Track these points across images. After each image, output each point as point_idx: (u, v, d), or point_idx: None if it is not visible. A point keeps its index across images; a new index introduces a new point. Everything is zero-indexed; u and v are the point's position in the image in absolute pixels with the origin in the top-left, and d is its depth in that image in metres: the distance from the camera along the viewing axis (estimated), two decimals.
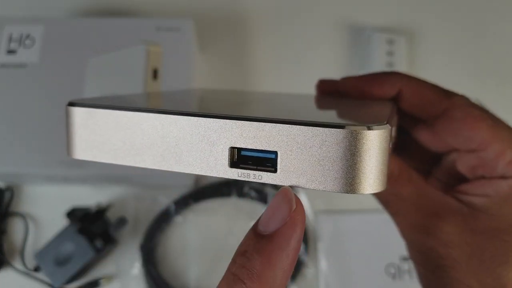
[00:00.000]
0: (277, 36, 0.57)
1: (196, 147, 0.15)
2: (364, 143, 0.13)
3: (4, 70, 0.45)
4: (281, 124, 0.14)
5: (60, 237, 0.45)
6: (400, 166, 0.24)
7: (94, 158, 0.16)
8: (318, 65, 0.56)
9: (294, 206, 0.16)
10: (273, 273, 0.16)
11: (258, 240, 0.16)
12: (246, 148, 0.14)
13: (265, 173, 0.14)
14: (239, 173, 0.15)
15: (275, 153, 0.14)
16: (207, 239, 0.48)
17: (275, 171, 0.14)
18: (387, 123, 0.14)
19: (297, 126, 0.13)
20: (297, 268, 0.46)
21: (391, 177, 0.23)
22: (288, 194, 0.16)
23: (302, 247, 0.46)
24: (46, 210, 0.49)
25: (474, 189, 0.23)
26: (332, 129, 0.13)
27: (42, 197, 0.49)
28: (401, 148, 0.28)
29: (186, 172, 0.15)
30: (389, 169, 0.16)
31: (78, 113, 0.16)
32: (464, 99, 0.24)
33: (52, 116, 0.44)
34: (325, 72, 0.56)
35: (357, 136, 0.13)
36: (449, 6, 0.59)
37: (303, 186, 0.14)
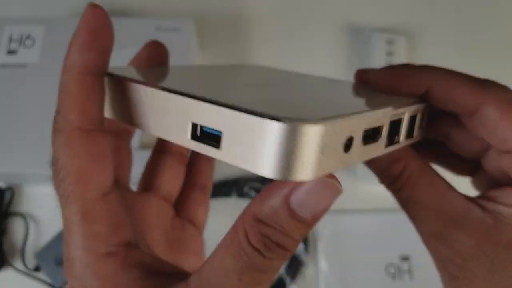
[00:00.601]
0: (277, 36, 0.57)
1: (169, 117, 0.17)
2: (285, 136, 0.14)
3: (4, 70, 0.45)
4: (223, 108, 0.15)
5: (61, 237, 0.45)
6: (420, 167, 0.22)
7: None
8: (318, 65, 0.56)
9: (341, 192, 0.17)
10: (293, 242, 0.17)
11: (295, 223, 0.17)
12: (204, 125, 0.16)
13: (212, 148, 0.16)
14: (195, 145, 0.17)
15: (220, 132, 0.16)
16: (207, 239, 0.48)
17: (219, 148, 0.16)
18: (321, 122, 0.15)
19: (232, 110, 0.15)
20: (297, 268, 0.46)
21: (409, 178, 0.22)
22: (334, 183, 0.17)
23: (302, 247, 0.46)
24: (46, 210, 0.49)
25: (505, 196, 0.21)
26: (255, 117, 0.15)
27: (42, 197, 0.49)
28: (436, 154, 0.26)
29: (158, 135, 0.18)
30: (329, 166, 0.16)
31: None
32: (502, 93, 0.21)
33: (52, 116, 0.44)
34: (325, 72, 0.56)
35: (276, 128, 0.14)
36: (449, 6, 0.59)
37: (240, 167, 0.16)
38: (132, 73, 0.22)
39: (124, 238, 0.18)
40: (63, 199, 0.17)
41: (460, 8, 0.59)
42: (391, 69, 0.24)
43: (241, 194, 0.49)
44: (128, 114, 0.19)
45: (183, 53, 0.46)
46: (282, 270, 0.46)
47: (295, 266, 0.46)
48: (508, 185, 0.21)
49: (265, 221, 0.16)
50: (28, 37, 0.47)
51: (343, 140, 0.17)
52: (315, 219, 0.17)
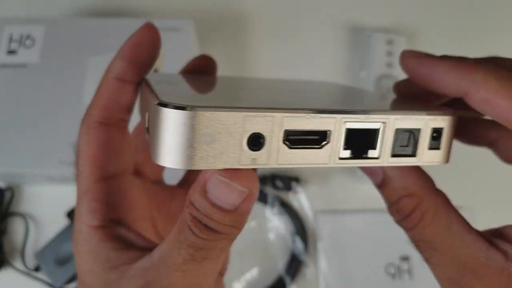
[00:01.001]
0: (277, 36, 0.57)
1: None
2: (167, 121, 0.16)
3: (4, 70, 0.45)
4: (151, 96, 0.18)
5: (60, 237, 0.45)
6: (436, 206, 0.20)
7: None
8: (318, 65, 0.56)
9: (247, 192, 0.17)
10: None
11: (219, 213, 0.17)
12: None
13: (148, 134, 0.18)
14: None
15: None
16: None
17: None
18: (194, 108, 0.16)
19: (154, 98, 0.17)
20: (297, 268, 0.46)
21: (422, 218, 0.20)
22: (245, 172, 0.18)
23: (302, 247, 0.46)
24: (46, 210, 0.49)
25: None
26: (157, 106, 0.16)
27: (42, 197, 0.49)
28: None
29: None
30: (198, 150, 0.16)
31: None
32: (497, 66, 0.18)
33: (52, 116, 0.44)
34: (325, 72, 0.56)
35: (159, 111, 0.16)
36: (449, 6, 0.59)
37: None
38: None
39: (114, 216, 0.20)
40: (76, 176, 0.20)
41: (460, 8, 0.59)
42: (429, 63, 0.21)
43: None
44: None
45: (183, 53, 0.46)
46: (282, 270, 0.46)
47: (295, 266, 0.46)
48: None
49: (194, 205, 0.17)
50: (28, 37, 0.47)
51: (242, 134, 0.16)
52: (239, 210, 0.17)
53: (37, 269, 0.46)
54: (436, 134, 0.19)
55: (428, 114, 0.19)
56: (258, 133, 0.17)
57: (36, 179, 0.47)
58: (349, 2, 0.58)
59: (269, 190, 0.49)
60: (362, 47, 0.56)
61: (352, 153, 0.18)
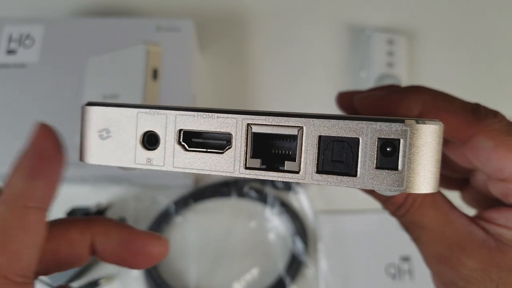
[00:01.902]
0: (277, 36, 0.57)
1: None
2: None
3: (4, 70, 0.45)
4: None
5: None
6: None
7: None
8: (318, 65, 0.56)
9: (39, 126, 0.19)
10: (19, 174, 0.18)
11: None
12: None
13: None
14: None
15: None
16: (207, 239, 0.48)
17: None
18: (89, 104, 0.18)
19: None
20: (297, 268, 0.46)
21: (414, 203, 0.20)
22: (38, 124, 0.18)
23: (302, 247, 0.46)
24: None
25: (504, 219, 0.21)
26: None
27: None
28: None
29: None
30: None
31: None
32: (496, 123, 0.20)
33: (52, 116, 0.44)
34: (325, 72, 0.56)
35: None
36: (449, 6, 0.59)
37: None
38: None
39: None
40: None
41: (460, 7, 0.59)
42: (377, 92, 0.22)
43: (241, 194, 0.49)
44: None
45: (183, 53, 0.46)
46: (282, 271, 0.46)
47: (295, 266, 0.46)
48: (506, 207, 0.21)
49: None
50: (27, 37, 0.47)
51: (135, 132, 0.17)
52: None
53: None
54: (390, 148, 0.15)
55: (371, 120, 0.15)
56: (152, 131, 0.16)
57: None
58: (349, 2, 0.58)
59: (269, 190, 0.49)
60: (362, 47, 0.56)
61: (264, 162, 0.16)
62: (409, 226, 0.22)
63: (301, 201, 0.49)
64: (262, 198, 0.48)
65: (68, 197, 0.48)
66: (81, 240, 0.20)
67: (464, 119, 0.20)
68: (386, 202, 0.22)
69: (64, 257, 0.20)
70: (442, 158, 0.23)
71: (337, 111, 0.26)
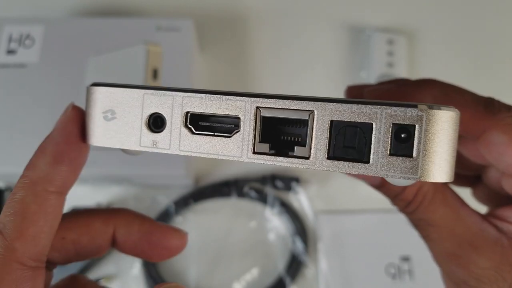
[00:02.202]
0: (277, 36, 0.57)
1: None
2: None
3: (4, 70, 0.45)
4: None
5: None
6: (436, 186, 0.20)
7: None
8: (318, 65, 0.56)
9: (70, 109, 0.19)
10: (44, 160, 0.17)
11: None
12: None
13: None
14: None
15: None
16: (207, 239, 0.48)
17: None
18: (95, 84, 0.18)
19: None
20: (297, 268, 0.46)
21: (423, 199, 0.20)
22: (68, 105, 0.19)
23: (302, 247, 0.46)
24: None
25: None
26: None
27: None
28: None
29: None
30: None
31: None
32: (508, 116, 0.19)
33: (52, 116, 0.44)
34: (325, 72, 0.56)
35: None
36: (449, 6, 0.59)
37: None
38: None
39: None
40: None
41: (460, 8, 0.59)
42: (387, 85, 0.22)
43: (241, 194, 0.49)
44: None
45: (183, 53, 0.46)
46: (282, 271, 0.46)
47: (295, 266, 0.46)
48: None
49: None
50: (27, 37, 0.47)
51: (141, 114, 0.16)
52: None
53: None
54: (405, 134, 0.14)
55: (386, 105, 0.14)
56: (158, 113, 0.16)
57: None
58: (349, 2, 0.58)
59: (269, 190, 0.49)
60: (362, 47, 0.56)
61: (273, 148, 0.15)
62: (418, 223, 0.21)
63: (301, 201, 0.49)
64: (262, 198, 0.48)
65: (68, 197, 0.48)
66: (104, 231, 0.20)
67: (477, 112, 0.19)
68: (395, 198, 0.21)
69: (85, 247, 0.20)
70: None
71: None
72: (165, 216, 0.47)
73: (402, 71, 0.53)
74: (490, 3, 0.59)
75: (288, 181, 0.49)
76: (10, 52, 0.46)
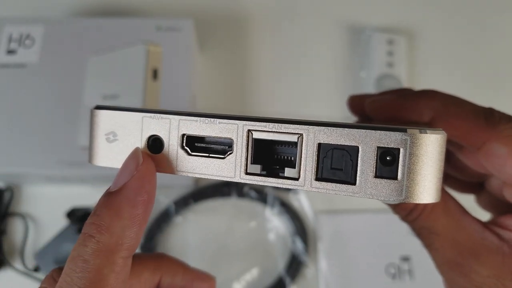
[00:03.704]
0: (277, 36, 0.57)
1: None
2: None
3: (4, 70, 0.45)
4: None
5: (60, 237, 0.45)
6: None
7: None
8: (318, 65, 0.56)
9: (141, 160, 0.17)
10: (121, 224, 0.16)
11: (107, 198, 0.17)
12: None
13: None
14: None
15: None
16: (207, 239, 0.48)
17: None
18: (97, 107, 0.18)
19: None
20: (297, 268, 0.46)
21: (425, 208, 0.20)
22: (135, 152, 0.17)
23: (302, 247, 0.46)
24: (46, 210, 0.49)
25: None
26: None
27: (42, 197, 0.49)
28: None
29: None
30: None
31: None
32: (509, 127, 0.19)
33: (52, 116, 0.44)
34: (325, 72, 0.56)
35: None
36: (449, 6, 0.59)
37: None
38: None
39: None
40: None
41: (460, 8, 0.59)
42: (389, 96, 0.22)
43: (241, 195, 0.49)
44: None
45: (183, 53, 0.46)
46: (282, 271, 0.46)
47: (295, 266, 0.46)
48: None
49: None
50: (27, 37, 0.47)
51: (141, 136, 0.17)
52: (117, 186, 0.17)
53: (36, 269, 0.46)
54: (390, 157, 0.15)
55: (371, 129, 0.14)
56: (157, 135, 0.17)
57: (36, 179, 0.47)
58: (349, 2, 0.58)
59: (269, 190, 0.49)
60: (362, 47, 0.56)
61: (264, 168, 0.16)
62: (420, 232, 0.21)
63: (301, 201, 0.49)
64: (262, 198, 0.48)
65: (68, 197, 0.48)
66: (151, 281, 0.21)
67: (476, 124, 0.19)
68: (397, 207, 0.21)
69: None
70: (457, 162, 0.23)
71: (343, 113, 0.26)
72: (165, 216, 0.47)
73: (402, 71, 0.53)
74: (490, 3, 0.59)
75: None
76: (10, 52, 0.46)
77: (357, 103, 0.24)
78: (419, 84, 0.54)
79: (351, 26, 0.57)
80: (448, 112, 0.20)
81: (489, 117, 0.20)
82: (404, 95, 0.21)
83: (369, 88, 0.53)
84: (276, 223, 0.48)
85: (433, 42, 0.57)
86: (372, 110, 0.22)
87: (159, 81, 0.44)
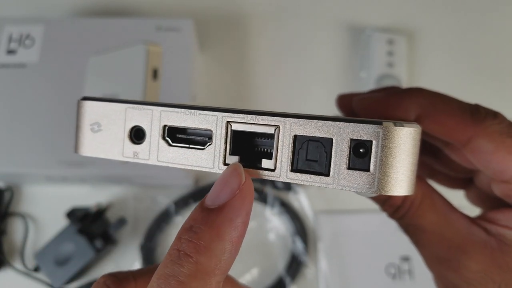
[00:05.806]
0: (277, 36, 0.57)
1: None
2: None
3: (4, 70, 0.45)
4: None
5: (60, 237, 0.45)
6: (423, 192, 0.21)
7: None
8: (318, 65, 0.56)
9: (244, 179, 0.16)
10: (222, 246, 0.15)
11: (206, 214, 0.16)
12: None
13: None
14: None
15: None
16: None
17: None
18: (84, 98, 0.19)
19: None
20: (297, 268, 0.46)
21: (412, 205, 0.20)
22: (238, 168, 0.16)
23: (302, 247, 0.46)
24: (46, 210, 0.49)
25: (506, 220, 0.20)
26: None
27: (42, 197, 0.49)
28: (430, 155, 0.25)
29: None
30: None
31: None
32: (496, 124, 0.19)
33: (52, 116, 0.44)
34: (325, 72, 0.56)
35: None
36: (449, 6, 0.59)
37: None
38: None
39: None
40: None
41: (460, 8, 0.59)
42: (377, 94, 0.22)
43: None
44: None
45: (183, 53, 0.46)
46: (282, 271, 0.46)
47: (295, 266, 0.46)
48: (508, 208, 0.21)
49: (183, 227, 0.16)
50: (27, 37, 0.47)
51: (124, 126, 0.17)
52: (216, 204, 0.16)
53: (36, 269, 0.46)
54: (363, 149, 0.15)
55: (345, 121, 0.15)
56: (139, 126, 0.17)
57: (36, 179, 0.47)
58: (349, 2, 0.58)
59: (269, 190, 0.49)
60: (362, 47, 0.56)
61: (242, 160, 0.16)
62: (408, 228, 0.22)
63: (301, 201, 0.49)
64: (262, 198, 0.48)
65: (68, 197, 0.48)
66: None
67: (462, 121, 0.20)
68: (384, 204, 0.22)
69: None
70: (445, 158, 0.23)
71: (337, 112, 0.26)
72: (165, 216, 0.47)
73: (402, 71, 0.53)
74: (490, 3, 0.59)
75: None
76: (10, 52, 0.46)
77: (345, 102, 0.24)
78: (419, 84, 0.53)
79: (351, 26, 0.57)
80: (434, 109, 0.20)
81: (475, 113, 0.20)
82: (391, 93, 0.22)
83: (369, 88, 0.52)
84: (276, 223, 0.48)
85: (433, 42, 0.57)
86: (360, 108, 0.22)
87: (159, 81, 0.44)
